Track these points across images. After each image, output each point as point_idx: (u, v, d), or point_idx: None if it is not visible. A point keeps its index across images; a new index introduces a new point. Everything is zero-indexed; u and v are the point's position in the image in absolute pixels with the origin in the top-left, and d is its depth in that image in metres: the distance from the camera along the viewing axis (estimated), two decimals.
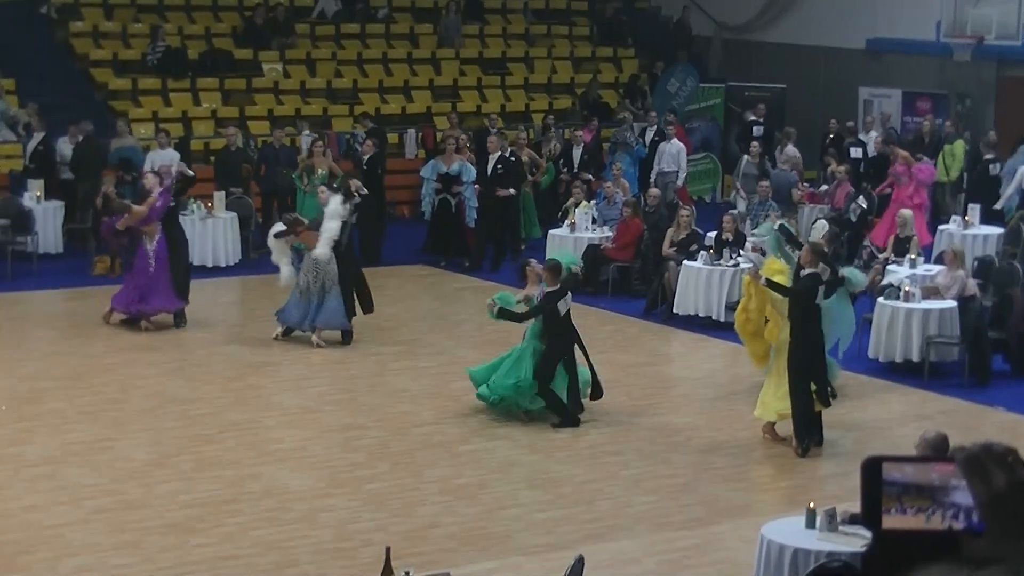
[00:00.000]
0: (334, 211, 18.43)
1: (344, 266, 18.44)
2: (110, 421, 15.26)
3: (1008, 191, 24.37)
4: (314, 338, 18.37)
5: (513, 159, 24.10)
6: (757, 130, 28.59)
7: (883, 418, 16.37)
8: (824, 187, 25.02)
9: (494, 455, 14.47)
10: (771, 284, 14.80)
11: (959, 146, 26.48)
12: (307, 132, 26.41)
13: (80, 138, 24.50)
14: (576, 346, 15.50)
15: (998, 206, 24.14)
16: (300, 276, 18.50)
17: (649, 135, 27.94)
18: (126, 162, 24.26)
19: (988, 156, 25.42)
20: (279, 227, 19.00)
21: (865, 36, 31.06)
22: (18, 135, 26.03)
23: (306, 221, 18.71)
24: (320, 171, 23.39)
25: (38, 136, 24.77)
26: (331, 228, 18.32)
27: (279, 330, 18.61)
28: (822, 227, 20.88)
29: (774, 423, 14.92)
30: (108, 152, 24.56)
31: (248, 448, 14.47)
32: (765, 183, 23.61)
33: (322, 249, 18.24)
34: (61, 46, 29.55)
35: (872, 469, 2.85)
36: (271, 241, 19.01)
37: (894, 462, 2.85)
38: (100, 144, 24.88)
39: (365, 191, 21.25)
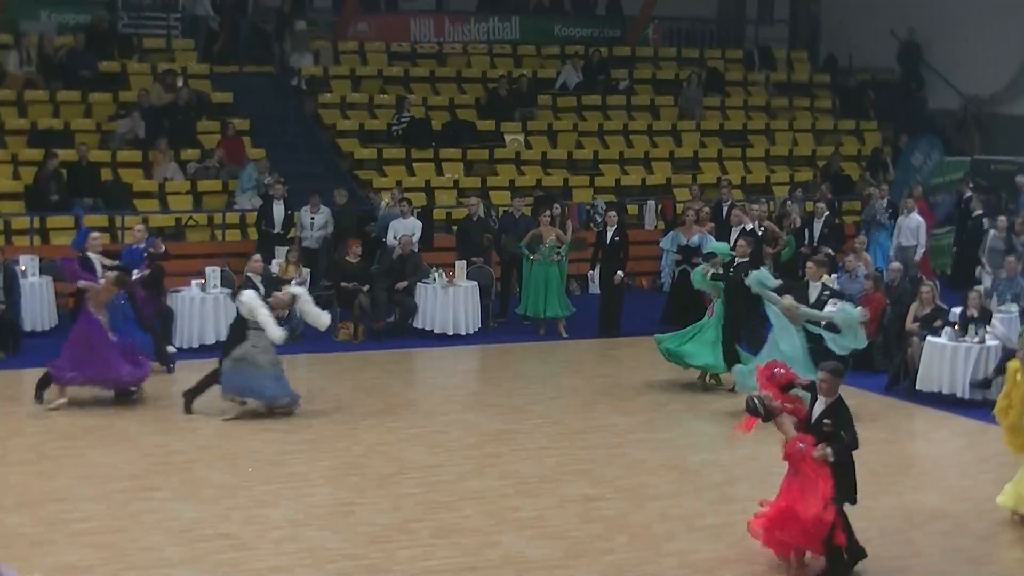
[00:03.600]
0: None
1: None
2: (351, 485, 15.48)
3: None
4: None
5: (761, 232, 23.94)
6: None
7: None
8: None
9: (734, 530, 14.28)
10: None
11: None
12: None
13: (335, 207, 25.21)
14: None
15: None
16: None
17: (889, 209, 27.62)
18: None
19: None
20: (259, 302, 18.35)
21: None
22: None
23: None
24: (548, 240, 23.59)
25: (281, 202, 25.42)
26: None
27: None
28: None
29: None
30: (356, 220, 25.23)
31: (487, 516, 14.54)
32: (1012, 258, 23.08)
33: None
34: (310, 117, 30.32)
35: None
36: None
37: None
38: (354, 212, 25.50)
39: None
